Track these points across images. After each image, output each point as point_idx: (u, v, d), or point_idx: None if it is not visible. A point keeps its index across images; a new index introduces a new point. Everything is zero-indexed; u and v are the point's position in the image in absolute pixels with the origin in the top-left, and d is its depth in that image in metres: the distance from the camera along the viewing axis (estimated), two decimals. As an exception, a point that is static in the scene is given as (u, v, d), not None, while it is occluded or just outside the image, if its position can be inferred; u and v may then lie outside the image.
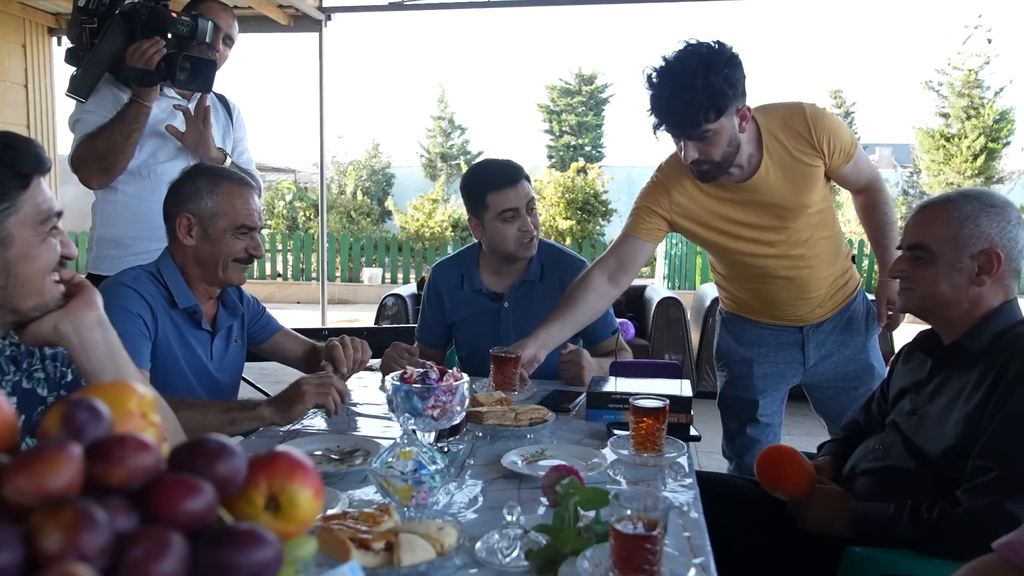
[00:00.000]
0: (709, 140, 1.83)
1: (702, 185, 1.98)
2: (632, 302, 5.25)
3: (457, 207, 12.80)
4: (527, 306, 2.26)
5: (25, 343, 1.22)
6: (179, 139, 2.34)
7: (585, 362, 2.05)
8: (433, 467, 1.19)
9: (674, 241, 10.59)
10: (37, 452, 0.48)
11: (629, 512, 0.98)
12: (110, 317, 1.24)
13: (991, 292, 1.44)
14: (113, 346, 1.22)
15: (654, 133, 1.87)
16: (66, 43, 2.45)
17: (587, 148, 19.71)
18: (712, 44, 1.80)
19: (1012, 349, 1.37)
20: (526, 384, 1.94)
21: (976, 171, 14.72)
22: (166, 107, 2.37)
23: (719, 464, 2.51)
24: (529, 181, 2.24)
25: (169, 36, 2.26)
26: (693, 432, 1.65)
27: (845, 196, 5.15)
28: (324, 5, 5.90)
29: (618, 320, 2.37)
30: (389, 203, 14.79)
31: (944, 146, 15.11)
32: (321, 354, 1.95)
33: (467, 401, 1.45)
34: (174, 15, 2.26)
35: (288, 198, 14.63)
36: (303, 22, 5.96)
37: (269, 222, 14.51)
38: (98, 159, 2.26)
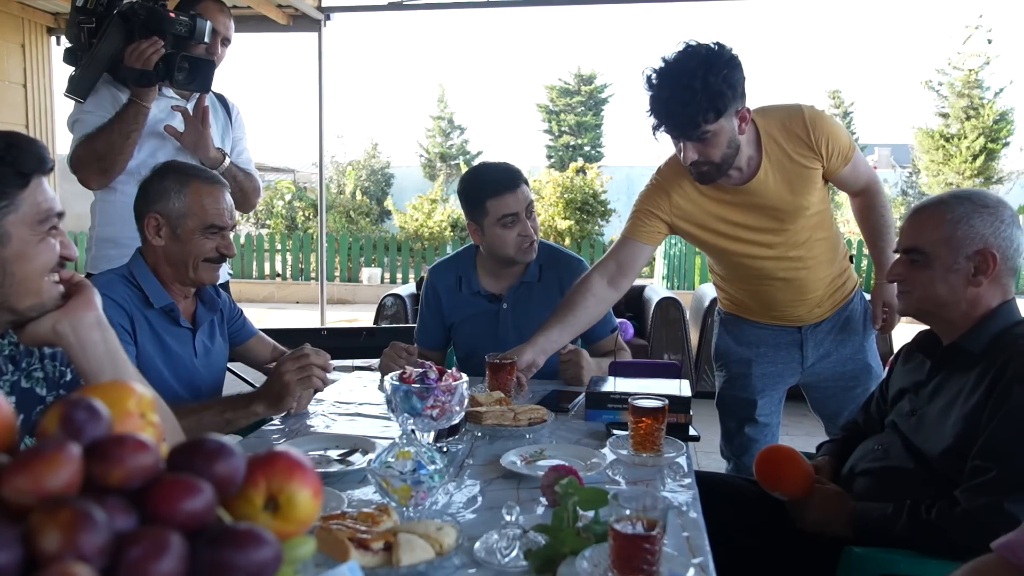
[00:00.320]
0: (708, 141, 1.83)
1: (701, 188, 1.98)
2: (631, 302, 5.24)
3: (456, 207, 12.79)
4: (526, 307, 2.26)
5: (24, 343, 1.21)
6: (178, 139, 2.34)
7: (584, 362, 2.05)
8: (432, 467, 1.19)
9: (673, 241, 10.58)
10: (36, 452, 0.48)
11: (628, 512, 0.98)
12: None
13: (989, 292, 1.44)
14: (112, 346, 1.22)
15: (653, 134, 1.87)
16: (65, 43, 2.44)
17: (586, 148, 19.72)
18: (711, 45, 1.80)
19: (1011, 349, 1.37)
20: (523, 389, 1.93)
21: (975, 171, 14.72)
22: (165, 107, 2.37)
23: (718, 464, 2.51)
24: (527, 184, 2.23)
25: (167, 36, 2.25)
26: (692, 432, 1.65)
27: (843, 196, 5.14)
28: (323, 5, 5.89)
29: (617, 320, 2.37)
30: (388, 203, 14.78)
31: (943, 146, 15.11)
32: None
33: (466, 401, 1.45)
34: (172, 15, 2.25)
35: (287, 198, 14.63)
36: (302, 22, 5.96)
37: (268, 222, 14.52)
38: (97, 160, 2.25)
